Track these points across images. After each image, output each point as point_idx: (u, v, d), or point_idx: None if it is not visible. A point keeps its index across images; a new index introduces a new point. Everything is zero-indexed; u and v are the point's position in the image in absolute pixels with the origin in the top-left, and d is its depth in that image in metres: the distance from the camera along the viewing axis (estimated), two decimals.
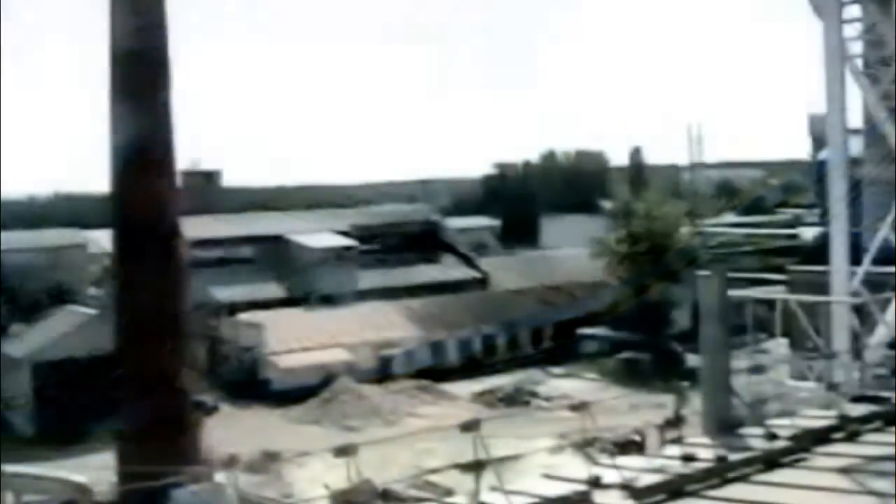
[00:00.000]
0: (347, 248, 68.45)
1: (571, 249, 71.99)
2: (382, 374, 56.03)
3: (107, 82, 26.78)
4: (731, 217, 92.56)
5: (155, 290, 28.68)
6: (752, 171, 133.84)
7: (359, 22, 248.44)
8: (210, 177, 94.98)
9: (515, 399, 52.00)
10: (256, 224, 70.70)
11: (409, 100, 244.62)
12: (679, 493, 11.92)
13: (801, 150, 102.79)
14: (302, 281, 65.95)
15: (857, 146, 24.24)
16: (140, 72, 27.08)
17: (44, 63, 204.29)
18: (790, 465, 12.89)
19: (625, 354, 58.82)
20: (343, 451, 10.74)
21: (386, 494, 30.84)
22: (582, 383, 55.20)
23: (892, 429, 14.10)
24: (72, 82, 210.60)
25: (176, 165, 28.36)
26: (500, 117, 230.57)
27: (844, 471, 12.43)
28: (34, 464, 31.16)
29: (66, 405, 46.02)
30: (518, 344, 62.99)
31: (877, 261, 22.58)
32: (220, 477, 11.19)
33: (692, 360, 39.58)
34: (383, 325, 59.23)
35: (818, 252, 33.85)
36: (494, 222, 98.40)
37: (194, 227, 62.22)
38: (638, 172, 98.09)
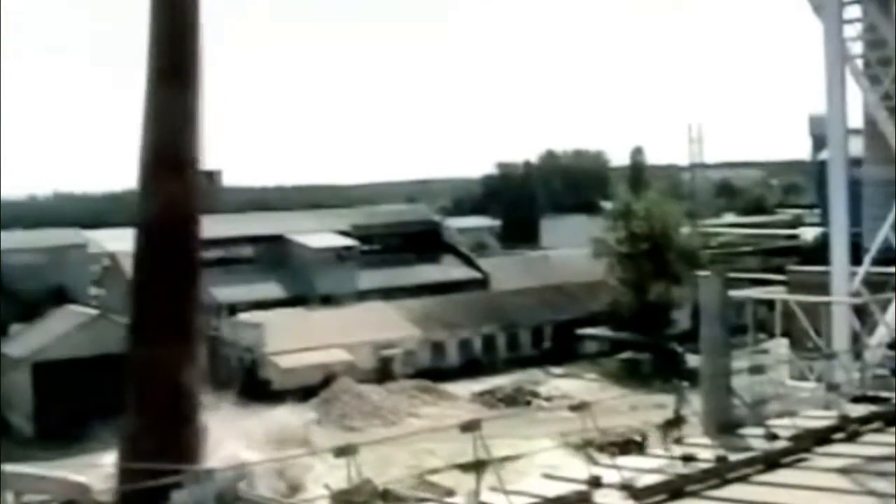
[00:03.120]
0: (347, 248, 68.43)
1: (571, 249, 71.97)
2: (382, 374, 55.99)
3: (144, 85, 27.82)
4: (731, 217, 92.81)
5: (172, 292, 29.33)
6: (752, 171, 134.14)
7: (357, 21, 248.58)
8: (210, 177, 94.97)
9: (515, 399, 51.93)
10: (256, 224, 70.67)
11: (410, 99, 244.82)
12: (679, 493, 11.92)
13: (801, 150, 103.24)
14: (302, 281, 65.93)
15: (857, 146, 24.22)
16: (174, 73, 28.07)
17: (46, 64, 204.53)
18: (790, 465, 12.89)
19: (625, 354, 58.82)
20: (343, 452, 10.74)
21: (386, 494, 30.81)
22: (582, 383, 55.15)
23: (892, 429, 14.10)
24: (73, 83, 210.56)
25: (201, 169, 29.23)
26: (500, 117, 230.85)
27: (844, 471, 12.43)
28: (34, 464, 31.19)
29: (66, 405, 45.99)
30: (518, 344, 62.97)
31: (877, 261, 22.56)
32: (220, 477, 11.18)
33: (692, 360, 39.58)
34: (383, 325, 59.18)
35: (818, 252, 33.91)
36: (494, 222, 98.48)
37: None
38: (638, 172, 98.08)
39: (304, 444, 37.13)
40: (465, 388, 54.16)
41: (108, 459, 30.91)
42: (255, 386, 54.75)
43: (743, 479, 12.44)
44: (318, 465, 32.75)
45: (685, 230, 65.02)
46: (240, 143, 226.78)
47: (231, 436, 31.17)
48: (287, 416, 39.23)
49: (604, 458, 13.39)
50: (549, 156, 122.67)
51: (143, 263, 29.88)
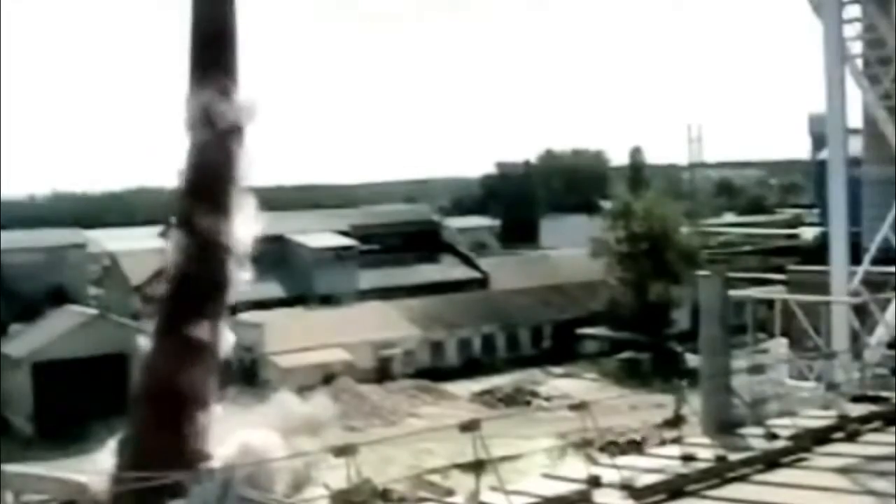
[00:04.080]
0: (347, 248, 68.39)
1: (571, 249, 71.91)
2: (382, 373, 55.97)
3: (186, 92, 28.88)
4: (730, 216, 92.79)
5: (203, 299, 30.32)
6: (751, 170, 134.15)
7: (357, 20, 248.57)
8: None
9: (515, 399, 51.90)
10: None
11: (410, 98, 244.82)
12: (679, 493, 11.93)
13: (801, 150, 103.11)
14: (302, 281, 65.88)
15: (856, 146, 24.24)
16: (216, 80, 29.20)
17: (47, 64, 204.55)
18: (790, 464, 12.90)
19: (625, 354, 58.77)
20: (343, 451, 10.75)
21: (386, 494, 30.89)
22: (582, 383, 55.12)
23: (892, 429, 14.11)
24: (72, 83, 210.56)
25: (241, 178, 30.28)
26: (500, 116, 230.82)
27: (844, 471, 12.43)
28: (34, 464, 31.21)
29: (66, 405, 45.96)
30: (518, 344, 62.94)
31: (876, 260, 22.57)
32: (220, 478, 11.20)
33: (692, 360, 39.63)
34: (383, 324, 59.16)
35: (818, 252, 33.92)
36: (494, 222, 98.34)
37: None
38: (637, 172, 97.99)
39: (321, 432, 37.40)
40: (464, 388, 54.13)
41: (108, 459, 31.08)
42: (254, 386, 54.80)
43: (742, 478, 12.45)
44: (318, 465, 32.82)
45: (685, 230, 64.98)
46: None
47: (251, 426, 31.72)
48: (300, 406, 39.45)
49: (604, 458, 13.42)
50: (549, 155, 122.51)
51: (179, 276, 30.80)
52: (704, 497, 11.95)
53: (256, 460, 26.72)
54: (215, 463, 25.76)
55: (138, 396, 31.97)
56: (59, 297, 60.34)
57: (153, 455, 24.84)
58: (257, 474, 25.69)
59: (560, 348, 61.74)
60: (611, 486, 11.81)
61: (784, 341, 22.84)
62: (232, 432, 30.71)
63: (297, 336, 55.12)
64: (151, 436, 28.82)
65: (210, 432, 30.36)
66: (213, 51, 29.61)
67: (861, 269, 22.42)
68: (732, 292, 16.97)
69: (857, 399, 15.87)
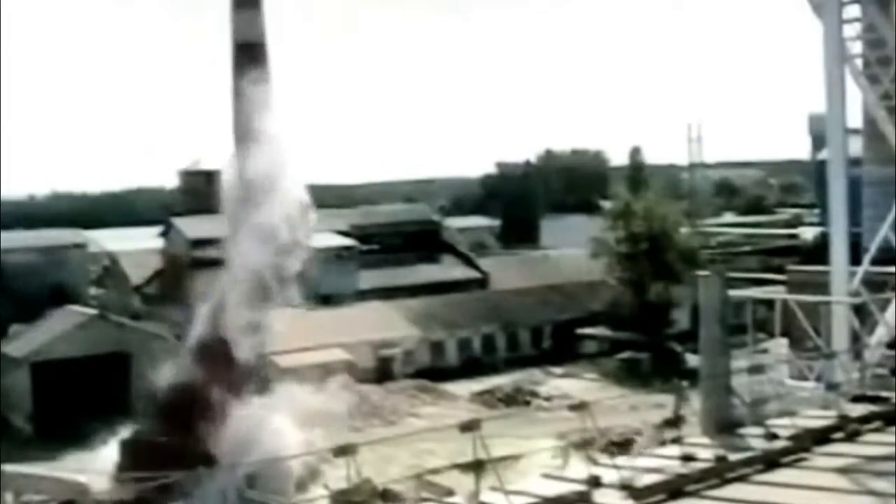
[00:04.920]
0: (347, 248, 68.37)
1: (571, 249, 71.90)
2: (382, 373, 55.97)
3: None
4: (730, 216, 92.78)
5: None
6: (751, 170, 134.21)
7: (355, 20, 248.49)
8: (210, 177, 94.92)
9: (515, 399, 51.90)
10: None
11: (410, 98, 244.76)
12: (678, 493, 11.93)
13: (801, 150, 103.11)
14: (301, 281, 65.80)
15: (856, 146, 24.24)
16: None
17: (47, 63, 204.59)
18: (790, 464, 12.90)
19: (625, 354, 58.77)
20: (343, 451, 10.76)
21: (386, 494, 30.92)
22: (582, 383, 55.12)
23: (892, 429, 14.11)
24: (72, 83, 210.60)
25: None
26: (500, 116, 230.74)
27: (844, 470, 12.44)
28: (34, 464, 31.25)
29: (65, 405, 45.95)
30: (518, 343, 62.93)
31: (876, 260, 22.58)
32: (222, 478, 11.22)
33: (692, 360, 39.63)
34: (383, 324, 59.13)
35: (818, 252, 33.94)
36: (494, 222, 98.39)
37: (194, 227, 62.30)
38: (637, 172, 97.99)
39: (333, 425, 37.74)
40: (464, 388, 54.11)
41: (108, 459, 31.15)
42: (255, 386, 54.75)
43: (742, 478, 12.46)
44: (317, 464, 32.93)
45: (684, 230, 64.94)
46: None
47: (269, 418, 32.46)
48: (313, 399, 39.81)
49: (603, 458, 13.41)
50: (549, 155, 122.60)
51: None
52: (704, 497, 11.96)
53: (267, 457, 27.04)
54: (235, 457, 26.08)
55: (169, 399, 32.40)
56: (59, 297, 60.32)
57: (173, 456, 25.04)
58: (274, 469, 26.04)
59: (560, 348, 61.73)
60: (611, 486, 11.82)
61: (784, 341, 22.87)
62: (250, 426, 31.22)
63: (296, 336, 55.07)
64: (177, 438, 29.22)
65: (231, 430, 30.95)
66: (250, 53, 31.19)
67: (861, 269, 22.42)
68: (732, 292, 16.99)
69: (857, 399, 15.87)
